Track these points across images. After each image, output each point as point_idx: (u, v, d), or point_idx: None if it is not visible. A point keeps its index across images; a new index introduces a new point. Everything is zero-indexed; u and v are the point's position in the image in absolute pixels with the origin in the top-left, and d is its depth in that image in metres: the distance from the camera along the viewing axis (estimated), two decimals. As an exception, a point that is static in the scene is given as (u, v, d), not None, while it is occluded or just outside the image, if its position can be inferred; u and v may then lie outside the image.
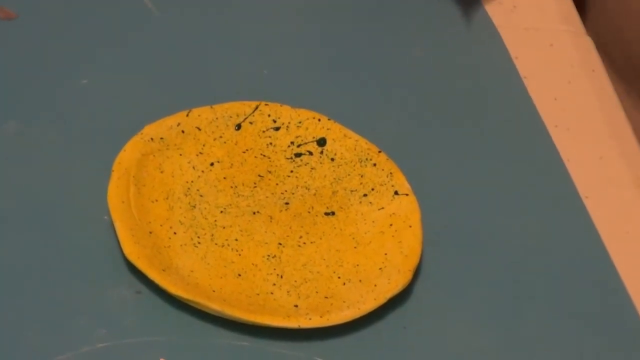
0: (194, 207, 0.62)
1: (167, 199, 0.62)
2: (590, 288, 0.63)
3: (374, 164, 0.64)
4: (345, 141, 0.65)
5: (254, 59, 0.72)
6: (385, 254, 0.60)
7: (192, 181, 0.63)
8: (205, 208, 0.62)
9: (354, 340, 0.58)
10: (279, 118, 0.66)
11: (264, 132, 0.66)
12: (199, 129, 0.65)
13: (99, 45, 0.71)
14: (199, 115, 0.65)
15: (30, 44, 0.70)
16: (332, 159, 0.65)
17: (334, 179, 0.65)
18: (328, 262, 0.61)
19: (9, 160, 0.63)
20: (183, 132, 0.64)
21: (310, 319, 0.56)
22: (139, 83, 0.69)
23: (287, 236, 0.62)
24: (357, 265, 0.60)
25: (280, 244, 0.61)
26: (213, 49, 0.72)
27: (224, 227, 0.61)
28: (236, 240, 0.61)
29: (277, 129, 0.66)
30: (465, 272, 0.62)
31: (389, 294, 0.58)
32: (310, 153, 0.65)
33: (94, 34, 0.72)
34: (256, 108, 0.66)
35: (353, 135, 0.66)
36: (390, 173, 0.64)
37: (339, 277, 0.60)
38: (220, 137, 0.65)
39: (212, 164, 0.64)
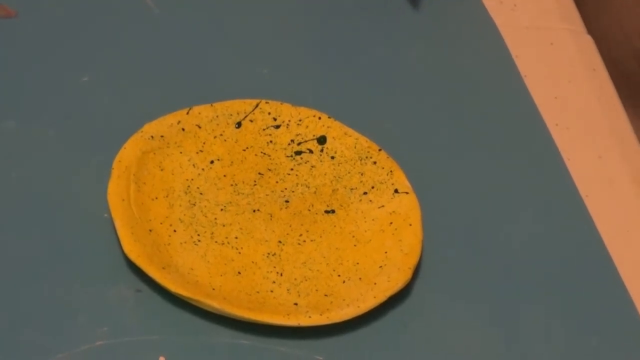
0: (194, 205, 0.62)
1: (167, 196, 0.62)
2: (590, 287, 0.63)
3: (374, 162, 0.64)
4: (345, 139, 0.65)
5: (254, 57, 0.72)
6: (385, 252, 0.60)
7: (192, 179, 0.63)
8: (205, 206, 0.62)
9: (354, 338, 0.58)
10: (279, 116, 0.66)
11: (264, 130, 0.66)
12: (199, 127, 0.65)
13: (99, 43, 0.71)
14: (199, 113, 0.65)
15: (30, 41, 0.70)
16: (332, 157, 0.65)
17: (334, 177, 0.65)
18: (328, 260, 0.61)
19: (9, 157, 0.63)
20: (183, 130, 0.64)
21: (310, 317, 0.56)
22: (139, 81, 0.69)
23: (287, 234, 0.62)
24: (357, 263, 0.60)
25: (280, 242, 0.61)
26: (213, 47, 0.72)
27: (224, 225, 0.61)
28: (236, 238, 0.61)
29: (278, 127, 0.66)
30: (465, 270, 0.62)
31: (388, 292, 0.58)
32: (311, 151, 0.65)
33: (94, 31, 0.72)
34: (256, 106, 0.66)
35: (353, 133, 0.66)
36: (391, 171, 0.64)
37: (338, 275, 0.60)
38: (221, 135, 0.65)
39: (212, 162, 0.64)
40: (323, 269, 0.60)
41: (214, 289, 0.58)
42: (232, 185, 0.64)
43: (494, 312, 0.61)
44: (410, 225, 0.61)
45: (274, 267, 0.60)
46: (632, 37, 0.88)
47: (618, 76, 0.82)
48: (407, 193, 0.63)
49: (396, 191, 0.63)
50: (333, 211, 0.63)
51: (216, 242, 0.61)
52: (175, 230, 0.60)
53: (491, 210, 0.66)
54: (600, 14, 0.89)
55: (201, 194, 0.63)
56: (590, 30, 0.80)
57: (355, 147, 0.65)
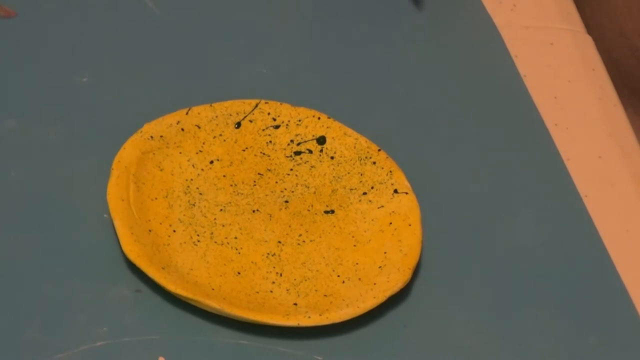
0: (194, 205, 0.62)
1: (166, 197, 0.62)
2: (590, 286, 0.63)
3: (374, 162, 0.64)
4: (344, 139, 0.65)
5: (254, 57, 0.72)
6: (385, 252, 0.60)
7: (191, 179, 0.63)
8: (205, 206, 0.62)
9: (354, 338, 0.58)
10: (279, 116, 0.66)
11: (263, 130, 0.66)
12: (199, 127, 0.65)
13: (99, 44, 0.71)
14: (198, 114, 0.65)
15: (30, 41, 0.70)
16: (332, 157, 0.65)
17: (334, 177, 0.65)
18: (327, 261, 0.61)
19: (8, 157, 0.63)
20: (183, 130, 0.64)
21: (309, 317, 0.56)
22: (139, 81, 0.69)
23: (287, 234, 0.62)
24: (357, 263, 0.60)
25: (279, 242, 0.61)
26: (213, 48, 0.72)
27: (223, 225, 0.61)
28: (236, 238, 0.61)
29: (277, 127, 0.66)
30: (465, 270, 0.62)
31: (388, 293, 0.58)
32: (310, 151, 0.65)
33: (94, 32, 0.72)
34: (256, 106, 0.66)
35: (353, 133, 0.66)
36: (390, 171, 0.64)
37: (338, 276, 0.60)
38: (220, 135, 0.65)
39: (211, 162, 0.64)
40: (322, 269, 0.60)
41: (213, 289, 0.58)
42: (231, 185, 0.64)
43: (494, 312, 0.61)
44: (410, 225, 0.61)
45: (274, 267, 0.60)
46: (632, 37, 0.88)
47: (618, 76, 0.82)
48: (406, 193, 0.63)
49: (396, 191, 0.63)
50: (332, 211, 0.63)
51: (216, 242, 0.61)
52: (174, 231, 0.60)
53: (490, 210, 0.66)
54: (599, 13, 0.89)
55: (201, 194, 0.63)
56: (590, 30, 0.80)
57: (354, 148, 0.65)
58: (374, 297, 0.58)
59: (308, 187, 0.64)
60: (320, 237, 0.62)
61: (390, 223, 0.62)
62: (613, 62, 0.83)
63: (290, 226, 0.62)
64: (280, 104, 0.66)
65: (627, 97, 0.82)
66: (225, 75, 0.71)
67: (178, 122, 0.64)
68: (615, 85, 0.76)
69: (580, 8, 0.82)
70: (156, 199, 0.61)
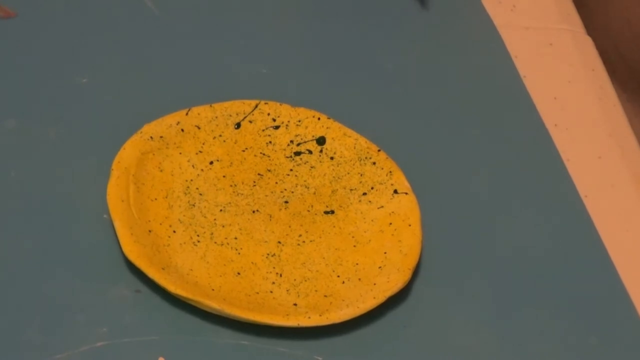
0: (194, 205, 0.62)
1: (166, 197, 0.62)
2: (589, 286, 0.63)
3: (374, 163, 0.64)
4: (344, 140, 0.65)
5: (253, 57, 0.72)
6: (385, 252, 0.60)
7: (191, 180, 0.63)
8: (205, 207, 0.62)
9: (354, 338, 0.58)
10: (279, 117, 0.66)
11: (263, 130, 0.66)
12: (199, 128, 0.65)
13: (99, 44, 0.71)
14: (198, 114, 0.65)
15: (30, 42, 0.70)
16: (332, 158, 0.65)
17: (334, 177, 0.65)
18: (327, 261, 0.61)
19: (8, 158, 0.63)
20: (182, 130, 0.64)
21: (309, 317, 0.56)
22: (139, 82, 0.69)
23: (287, 235, 0.62)
24: (357, 264, 0.60)
25: (279, 242, 0.61)
26: (213, 48, 0.72)
27: (223, 226, 0.62)
28: (235, 238, 0.61)
29: (277, 127, 0.66)
30: (465, 270, 0.62)
31: (388, 293, 0.58)
32: (310, 152, 0.65)
33: (94, 32, 0.72)
34: (256, 107, 0.66)
35: (352, 134, 0.66)
36: (390, 172, 0.64)
37: (338, 276, 0.60)
38: (220, 135, 0.65)
39: (211, 163, 0.64)
40: (322, 270, 0.60)
41: (213, 290, 0.58)
42: (231, 186, 0.64)
43: (494, 312, 0.61)
44: (410, 225, 0.61)
45: (274, 267, 0.60)
46: (638, 26, 0.88)
47: (625, 70, 0.82)
48: (406, 194, 0.63)
49: (395, 192, 0.63)
50: (332, 212, 0.63)
51: (215, 242, 0.61)
52: (174, 231, 0.60)
53: (490, 210, 0.66)
54: (606, 8, 0.89)
55: (201, 194, 0.63)
56: (596, 25, 0.80)
57: (354, 148, 0.65)
58: (374, 298, 0.58)
59: (308, 188, 0.64)
60: (320, 237, 0.62)
61: (390, 223, 0.62)
62: (620, 56, 0.83)
63: (290, 226, 0.62)
64: (280, 105, 0.66)
65: (632, 91, 0.82)
66: (225, 75, 0.71)
67: (178, 123, 0.64)
68: (621, 79, 0.76)
69: (586, 5, 0.82)
70: (156, 199, 0.61)
